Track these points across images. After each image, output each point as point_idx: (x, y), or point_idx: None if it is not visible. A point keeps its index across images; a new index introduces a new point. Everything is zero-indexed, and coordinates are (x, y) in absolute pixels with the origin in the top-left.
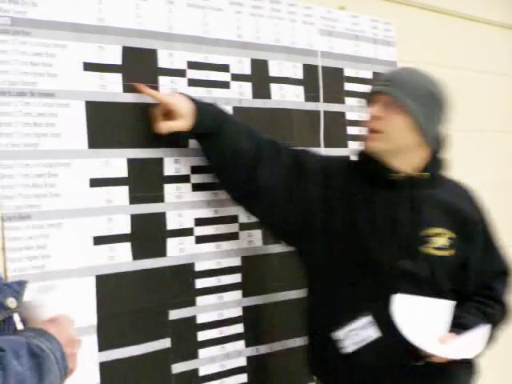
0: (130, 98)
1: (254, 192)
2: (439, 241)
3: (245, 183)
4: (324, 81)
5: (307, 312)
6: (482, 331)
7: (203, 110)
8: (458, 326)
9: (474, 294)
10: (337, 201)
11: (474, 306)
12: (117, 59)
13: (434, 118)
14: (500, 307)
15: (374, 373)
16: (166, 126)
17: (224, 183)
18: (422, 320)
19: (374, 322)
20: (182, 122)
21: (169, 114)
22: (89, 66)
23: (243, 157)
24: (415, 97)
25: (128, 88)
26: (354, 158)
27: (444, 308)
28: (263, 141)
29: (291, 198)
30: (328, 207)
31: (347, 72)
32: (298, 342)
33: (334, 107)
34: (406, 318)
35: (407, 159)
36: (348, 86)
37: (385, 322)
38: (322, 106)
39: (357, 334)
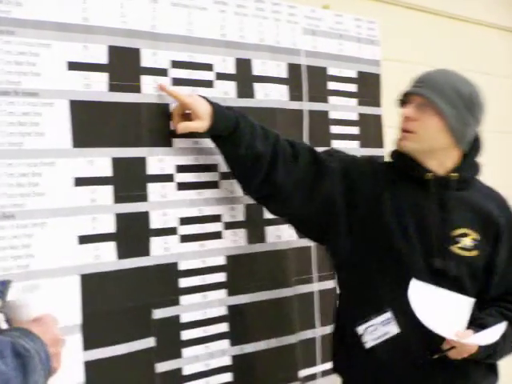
0: (115, 97)
1: (272, 193)
2: (464, 241)
3: (262, 185)
4: (308, 80)
5: (336, 307)
6: (499, 326)
7: (220, 112)
8: (477, 325)
9: (496, 299)
10: (362, 199)
11: (496, 309)
12: (102, 58)
13: (466, 120)
14: None
15: (392, 369)
16: (183, 126)
17: (242, 185)
18: (439, 309)
19: (393, 318)
20: (200, 123)
21: (187, 115)
22: (73, 66)
23: (259, 159)
24: (448, 98)
25: (113, 87)
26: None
27: (463, 304)
28: (280, 142)
29: (310, 199)
30: (351, 206)
31: (331, 71)
32: (283, 340)
33: (318, 106)
34: (422, 303)
35: (438, 160)
36: (332, 85)
37: (408, 318)
38: (305, 105)
39: (376, 329)
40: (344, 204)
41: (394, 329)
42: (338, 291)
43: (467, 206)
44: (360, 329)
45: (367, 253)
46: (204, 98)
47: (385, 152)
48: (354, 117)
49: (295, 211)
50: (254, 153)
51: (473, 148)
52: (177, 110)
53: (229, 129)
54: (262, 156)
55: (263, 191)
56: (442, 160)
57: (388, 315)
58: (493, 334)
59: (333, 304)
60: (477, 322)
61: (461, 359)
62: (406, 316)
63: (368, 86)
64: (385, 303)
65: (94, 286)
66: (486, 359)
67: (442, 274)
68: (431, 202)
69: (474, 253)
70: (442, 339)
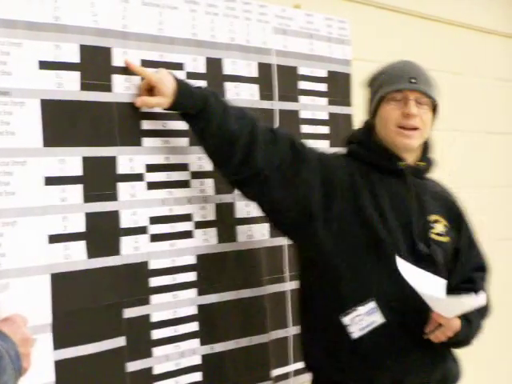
0: (87, 96)
1: (250, 176)
2: (438, 227)
3: (240, 167)
4: (278, 79)
5: (306, 304)
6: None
7: (185, 89)
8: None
9: (457, 286)
10: (339, 192)
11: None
12: (74, 57)
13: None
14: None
15: (377, 358)
16: (141, 100)
17: (218, 166)
18: (423, 285)
19: (377, 307)
20: (161, 99)
21: (152, 91)
22: (45, 65)
23: (234, 139)
24: (436, 91)
25: (85, 86)
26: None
27: (439, 285)
28: (258, 124)
29: (289, 184)
30: (329, 196)
31: (301, 70)
32: (255, 340)
33: (289, 105)
34: (409, 276)
35: (415, 150)
36: (302, 85)
37: (392, 308)
38: (276, 105)
39: (362, 319)
40: (321, 194)
41: (378, 318)
42: (301, 286)
43: (433, 194)
44: (346, 319)
45: (348, 244)
46: (172, 74)
47: None
48: (325, 116)
49: (272, 197)
50: (227, 132)
51: (427, 139)
52: (143, 85)
53: (197, 107)
54: (237, 136)
55: (241, 173)
56: (416, 150)
57: (372, 305)
58: (477, 299)
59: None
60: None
61: (443, 344)
62: (389, 305)
63: (338, 86)
64: (368, 293)
65: (64, 285)
66: (464, 342)
67: (427, 260)
68: (408, 190)
69: (446, 238)
70: (425, 326)
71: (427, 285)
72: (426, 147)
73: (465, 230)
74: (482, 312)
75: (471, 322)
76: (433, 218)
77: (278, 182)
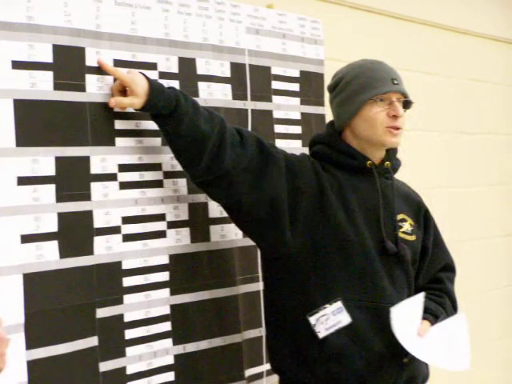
0: (60, 96)
1: (217, 177)
2: (405, 226)
3: (207, 168)
4: (251, 79)
5: (271, 304)
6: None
7: (157, 90)
8: (426, 312)
9: (424, 285)
10: (306, 193)
11: (431, 297)
12: (47, 57)
13: None
14: (450, 302)
15: (345, 359)
16: (114, 101)
17: (186, 168)
18: (411, 321)
19: (344, 307)
20: (134, 100)
21: (125, 91)
22: (18, 65)
23: (203, 140)
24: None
25: (58, 86)
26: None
27: (420, 301)
28: (226, 126)
29: (256, 186)
30: (295, 197)
31: (274, 70)
32: (228, 340)
33: (262, 105)
34: (404, 328)
35: (381, 150)
36: (275, 85)
37: (358, 307)
38: (249, 105)
39: (328, 318)
40: (288, 195)
41: (345, 318)
42: (267, 287)
43: (399, 193)
44: (312, 319)
45: (314, 244)
46: (144, 75)
47: None
48: (297, 116)
49: (239, 198)
50: (196, 133)
51: None
52: (116, 86)
53: (168, 107)
54: (206, 137)
55: (209, 175)
56: (382, 150)
57: (339, 304)
58: (450, 325)
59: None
60: (427, 313)
61: None
62: (357, 305)
63: (311, 86)
64: (335, 293)
65: (36, 285)
66: None
67: (393, 258)
68: (374, 189)
69: (413, 237)
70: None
71: (413, 316)
72: (392, 148)
73: (430, 229)
74: (449, 314)
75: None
76: (400, 216)
77: (245, 184)
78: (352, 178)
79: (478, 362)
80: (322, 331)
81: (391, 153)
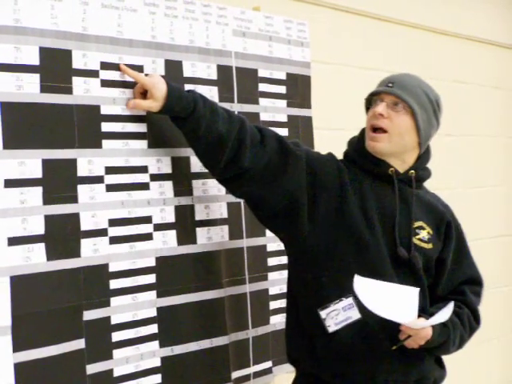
0: (47, 98)
1: (237, 175)
2: (422, 233)
3: (227, 167)
4: (238, 82)
5: (290, 296)
6: (447, 307)
7: (175, 93)
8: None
9: (445, 297)
10: (326, 191)
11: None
12: (34, 60)
13: (431, 122)
14: (472, 315)
15: (353, 354)
16: (133, 102)
17: (207, 167)
18: (388, 301)
19: (355, 303)
20: (152, 103)
21: (145, 94)
22: (4, 67)
23: (222, 141)
24: (418, 99)
25: (45, 88)
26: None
27: (409, 294)
28: (246, 126)
29: (275, 182)
30: (315, 193)
31: (261, 73)
32: (215, 342)
33: (248, 108)
34: (370, 296)
35: (401, 159)
36: (262, 87)
37: None
38: (236, 107)
39: (338, 313)
40: (307, 192)
41: (355, 314)
42: (289, 281)
43: (422, 202)
44: (322, 313)
45: (330, 241)
46: (164, 78)
47: None
48: (284, 118)
49: (258, 194)
50: (215, 134)
51: (426, 151)
52: (137, 88)
53: (186, 110)
54: (224, 138)
55: (229, 173)
56: (403, 158)
57: (350, 300)
58: (443, 315)
59: (265, 304)
60: (427, 314)
61: (418, 348)
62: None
63: (298, 88)
64: (347, 289)
65: (23, 287)
66: (440, 348)
67: (405, 264)
68: (394, 196)
69: (429, 245)
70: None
71: (395, 300)
72: (420, 157)
73: (451, 241)
74: (465, 324)
75: (449, 333)
76: (417, 224)
77: (264, 181)
78: (374, 182)
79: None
80: (331, 325)
81: (420, 162)
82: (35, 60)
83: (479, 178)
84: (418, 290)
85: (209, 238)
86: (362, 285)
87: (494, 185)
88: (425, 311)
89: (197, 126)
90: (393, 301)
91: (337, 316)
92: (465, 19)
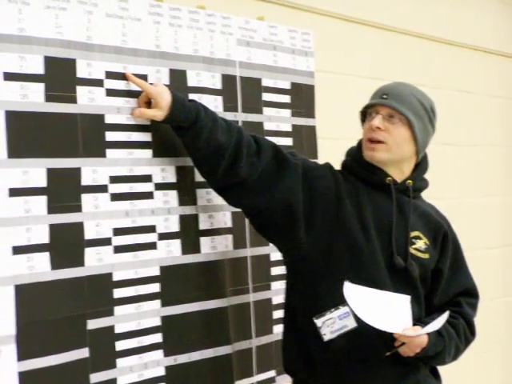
0: (52, 107)
1: (234, 185)
2: (419, 243)
3: (223, 177)
4: (242, 91)
5: (288, 305)
6: (442, 316)
7: (179, 103)
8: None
9: (441, 308)
10: (322, 200)
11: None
12: (38, 69)
13: (428, 130)
14: (468, 327)
15: (349, 362)
16: (138, 111)
17: (204, 176)
18: (380, 309)
19: (351, 312)
20: (157, 112)
21: (150, 103)
22: (9, 76)
23: (220, 151)
24: (414, 109)
25: (49, 98)
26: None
27: (401, 302)
28: (243, 136)
29: (270, 191)
30: (311, 202)
31: (265, 82)
32: (219, 351)
33: (253, 117)
34: (361, 304)
35: (399, 168)
36: (266, 96)
37: None
38: (240, 116)
39: (334, 322)
40: (303, 201)
41: (351, 323)
42: (286, 290)
43: (419, 212)
44: (318, 321)
45: (327, 250)
46: (169, 88)
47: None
48: (288, 128)
49: (254, 204)
50: (214, 144)
51: (423, 161)
52: (142, 97)
53: (189, 120)
54: (223, 148)
55: (224, 183)
56: (401, 168)
57: (346, 309)
58: (437, 323)
59: (269, 314)
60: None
61: (413, 357)
62: None
63: (302, 97)
64: (343, 298)
65: (28, 296)
66: (436, 358)
67: (401, 273)
68: (391, 205)
69: (426, 255)
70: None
71: (386, 307)
72: (417, 166)
73: (447, 251)
74: (461, 335)
75: (444, 343)
76: (414, 233)
77: (260, 190)
78: (372, 191)
79: (476, 373)
80: (327, 334)
81: (418, 172)
82: (40, 69)
83: (478, 187)
84: (409, 297)
85: (213, 248)
86: (354, 292)
87: (494, 194)
88: (420, 321)
89: (198, 136)
90: (385, 309)
91: (333, 324)
92: (468, 29)
